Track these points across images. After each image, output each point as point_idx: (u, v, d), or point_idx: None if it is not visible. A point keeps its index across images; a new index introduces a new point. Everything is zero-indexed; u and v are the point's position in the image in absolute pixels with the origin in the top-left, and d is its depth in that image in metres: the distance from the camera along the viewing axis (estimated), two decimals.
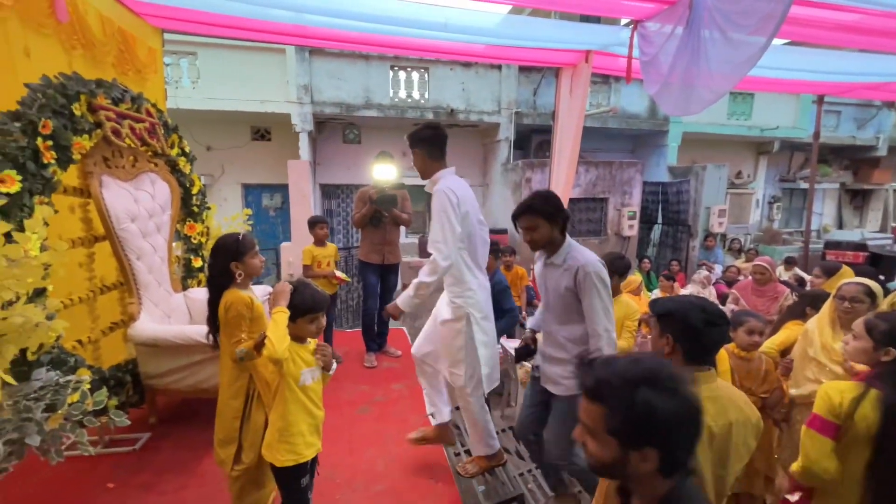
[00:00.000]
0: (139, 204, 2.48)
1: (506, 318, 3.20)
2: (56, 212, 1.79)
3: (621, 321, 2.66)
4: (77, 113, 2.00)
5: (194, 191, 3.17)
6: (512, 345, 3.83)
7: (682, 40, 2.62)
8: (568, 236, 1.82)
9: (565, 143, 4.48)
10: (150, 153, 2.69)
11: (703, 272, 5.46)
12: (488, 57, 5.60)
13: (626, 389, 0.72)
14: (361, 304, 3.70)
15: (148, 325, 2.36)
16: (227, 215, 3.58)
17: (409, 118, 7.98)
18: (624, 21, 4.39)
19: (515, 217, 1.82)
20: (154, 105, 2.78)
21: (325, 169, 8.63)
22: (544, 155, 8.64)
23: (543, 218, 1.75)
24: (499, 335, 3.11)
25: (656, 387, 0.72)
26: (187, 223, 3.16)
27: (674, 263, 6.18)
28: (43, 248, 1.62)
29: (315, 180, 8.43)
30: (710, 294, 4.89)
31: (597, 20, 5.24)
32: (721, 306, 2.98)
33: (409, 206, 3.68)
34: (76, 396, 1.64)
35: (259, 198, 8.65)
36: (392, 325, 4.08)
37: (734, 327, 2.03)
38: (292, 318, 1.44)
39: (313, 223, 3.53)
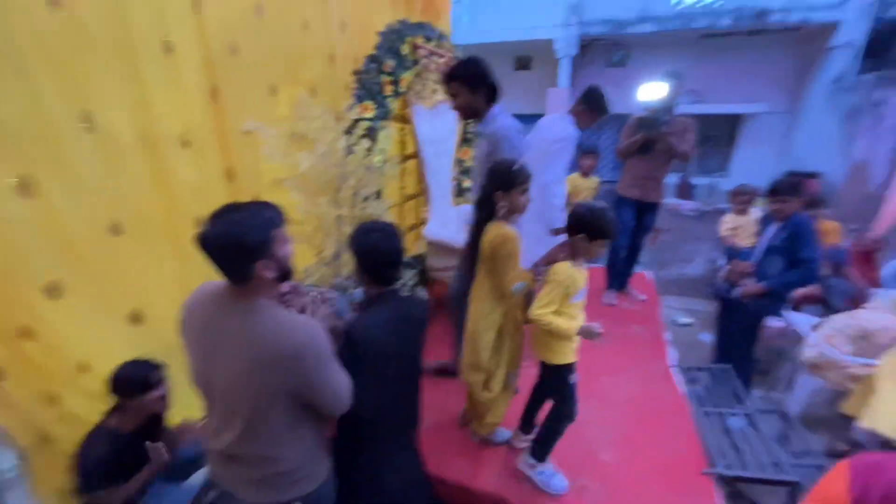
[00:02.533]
0: (436, 129, 3.01)
1: (800, 269, 2.46)
2: (390, 136, 2.36)
3: None
4: (404, 53, 2.49)
5: (468, 121, 3.59)
6: (804, 320, 3.00)
7: None
8: (495, 105, 1.87)
9: None
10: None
11: None
12: None
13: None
14: None
15: (434, 228, 2.96)
16: None
17: (696, 29, 6.51)
18: None
19: (444, 82, 1.87)
20: (450, 42, 3.18)
21: None
22: None
23: (465, 85, 1.81)
24: (784, 289, 2.47)
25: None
26: (462, 148, 3.64)
27: None
28: (382, 161, 2.19)
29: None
30: None
31: None
32: None
33: (692, 139, 3.13)
34: None
35: None
36: (637, 268, 3.81)
37: None
38: (590, 238, 1.53)
39: (583, 152, 3.48)
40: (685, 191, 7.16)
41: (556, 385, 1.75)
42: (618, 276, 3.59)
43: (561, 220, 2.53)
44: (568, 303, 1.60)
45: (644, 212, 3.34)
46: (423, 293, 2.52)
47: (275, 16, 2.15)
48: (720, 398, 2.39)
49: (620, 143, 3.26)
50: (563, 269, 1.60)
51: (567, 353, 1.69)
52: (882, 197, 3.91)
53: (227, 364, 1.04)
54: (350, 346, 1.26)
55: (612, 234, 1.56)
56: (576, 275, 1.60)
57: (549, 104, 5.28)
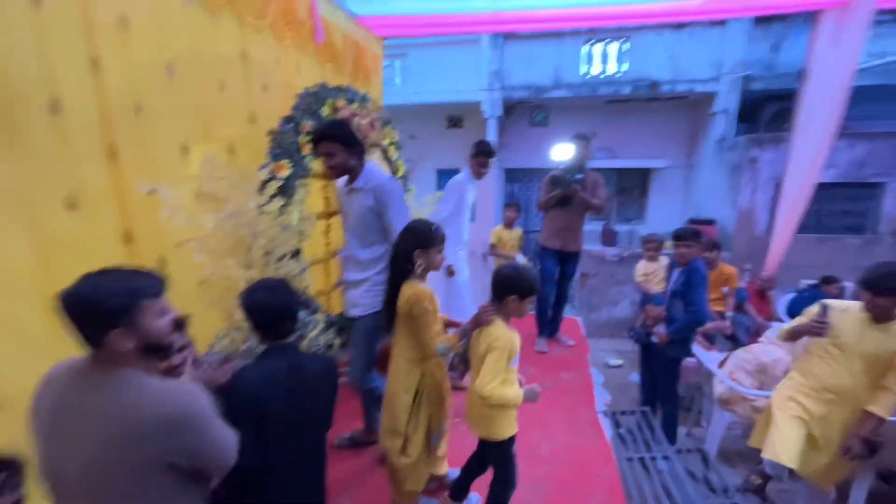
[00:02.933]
0: None
1: (688, 312, 2.68)
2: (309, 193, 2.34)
3: (891, 357, 1.90)
4: (324, 114, 2.54)
5: (399, 175, 3.68)
6: (711, 357, 3.24)
7: None
8: (367, 161, 2.01)
9: (818, 111, 3.44)
10: (370, 143, 3.23)
11: None
12: (712, 12, 4.64)
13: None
14: None
15: None
16: (423, 197, 4.05)
17: (602, 95, 7.41)
18: None
19: (314, 142, 1.94)
20: (374, 102, 3.31)
21: (511, 153, 8.82)
22: (780, 128, 6.82)
23: (341, 144, 1.89)
24: (680, 334, 2.67)
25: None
26: None
27: None
28: (299, 220, 2.15)
29: (500, 164, 8.73)
30: None
31: None
32: None
33: (602, 191, 3.43)
34: (316, 332, 2.15)
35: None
36: (567, 313, 3.96)
37: None
38: (521, 298, 1.59)
39: (506, 205, 3.70)
40: (609, 238, 7.72)
41: (498, 459, 1.72)
42: (547, 323, 3.70)
43: (450, 258, 2.79)
44: (508, 368, 1.60)
45: (566, 261, 3.55)
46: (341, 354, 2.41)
47: (187, 76, 2.12)
48: (644, 441, 2.45)
49: (540, 197, 3.50)
50: (503, 332, 1.59)
51: (511, 425, 1.68)
52: (768, 240, 4.47)
53: (84, 447, 0.91)
54: (228, 396, 1.24)
55: (539, 289, 1.65)
56: (513, 337, 1.62)
57: None
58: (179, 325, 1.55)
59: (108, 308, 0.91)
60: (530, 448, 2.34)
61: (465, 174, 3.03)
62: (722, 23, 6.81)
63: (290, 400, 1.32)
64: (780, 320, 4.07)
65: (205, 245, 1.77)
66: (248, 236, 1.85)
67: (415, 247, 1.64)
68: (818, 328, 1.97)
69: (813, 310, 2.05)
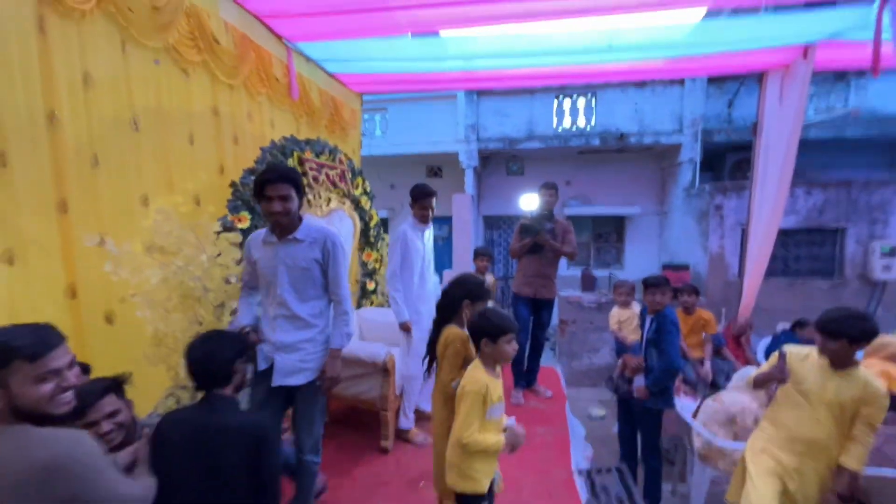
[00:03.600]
0: None
1: (662, 360, 2.62)
2: None
3: (855, 405, 1.84)
4: (291, 165, 2.57)
5: (372, 224, 3.69)
6: (686, 405, 3.15)
7: None
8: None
9: (772, 161, 3.63)
10: (340, 193, 3.26)
11: None
12: (670, 72, 5.01)
13: None
14: None
15: None
16: None
17: (573, 146, 7.77)
18: None
19: (270, 181, 1.69)
20: (345, 155, 3.37)
21: (488, 201, 9.03)
22: (742, 176, 7.18)
23: (296, 190, 1.73)
24: (658, 386, 2.59)
25: None
26: (365, 251, 3.68)
27: None
28: None
29: (479, 212, 8.90)
30: None
31: (829, 2, 4.15)
32: None
33: (573, 238, 3.47)
34: None
35: None
36: (544, 362, 3.87)
37: None
38: (493, 340, 1.55)
39: (476, 254, 3.68)
40: (588, 283, 7.78)
41: None
42: (523, 374, 3.60)
43: (399, 314, 2.69)
44: (486, 419, 1.53)
45: (539, 308, 3.51)
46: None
47: (152, 130, 2.13)
48: (622, 502, 2.31)
49: (511, 245, 3.52)
50: (473, 375, 1.55)
51: (484, 480, 1.59)
52: (740, 284, 4.54)
53: None
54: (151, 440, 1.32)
55: (512, 327, 1.58)
56: (490, 383, 1.55)
57: (455, 208, 5.69)
58: (115, 387, 1.46)
59: None
60: None
61: (408, 223, 2.83)
62: (681, 81, 7.35)
63: (195, 447, 1.30)
64: (759, 364, 4.05)
65: (150, 299, 1.69)
66: (199, 289, 1.78)
67: (465, 297, 1.78)
68: (778, 375, 1.95)
69: (774, 357, 2.03)
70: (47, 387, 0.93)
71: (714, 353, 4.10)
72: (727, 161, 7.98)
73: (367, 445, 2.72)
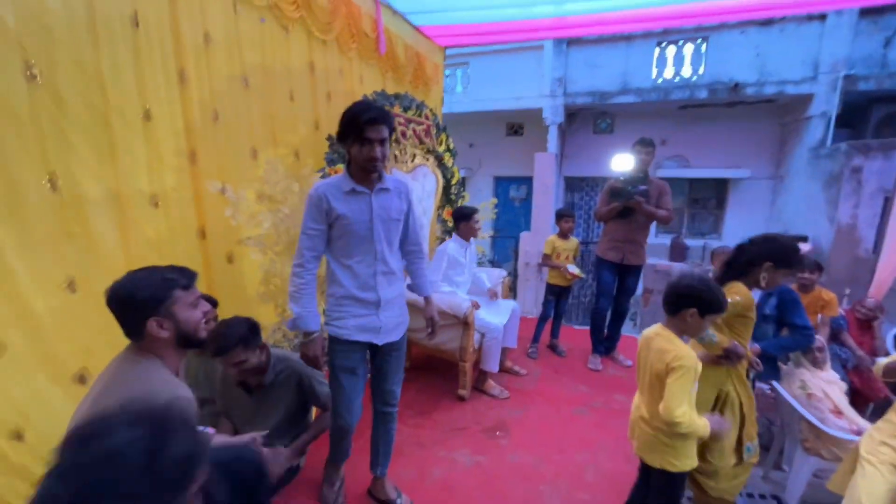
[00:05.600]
0: (414, 192, 3.09)
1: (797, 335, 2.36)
2: None
3: None
4: None
5: (454, 181, 3.70)
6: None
7: None
8: None
9: None
10: (424, 150, 3.29)
11: None
12: (811, 2, 4.13)
13: None
14: (593, 301, 3.48)
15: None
16: (479, 204, 4.03)
17: (674, 100, 6.93)
18: None
19: (374, 121, 1.46)
20: (431, 110, 3.35)
21: (572, 161, 8.53)
22: (892, 134, 5.93)
23: (391, 133, 1.55)
24: (779, 352, 2.36)
25: None
26: (445, 209, 3.72)
27: None
28: None
29: (561, 172, 8.48)
30: None
31: None
32: None
33: (669, 200, 3.16)
34: None
35: (507, 189, 9.40)
36: (625, 331, 3.71)
37: None
38: (702, 314, 1.43)
39: (560, 215, 3.53)
40: (678, 252, 7.16)
41: (667, 493, 1.56)
42: (603, 339, 3.49)
43: (460, 302, 2.69)
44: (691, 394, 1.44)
45: (625, 274, 3.32)
46: None
47: (260, 87, 2.29)
48: None
49: (598, 208, 3.32)
50: (684, 350, 1.44)
51: (693, 456, 1.52)
52: (873, 261, 3.87)
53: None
54: None
55: (724, 307, 1.44)
56: (697, 359, 1.45)
57: (537, 168, 5.47)
58: (245, 341, 1.62)
59: (141, 298, 0.99)
60: (573, 471, 2.21)
61: (454, 238, 3.00)
62: (821, 16, 6.10)
63: None
64: (888, 354, 3.49)
65: (262, 243, 1.88)
66: None
67: (769, 259, 1.61)
68: None
69: None
70: (199, 312, 1.09)
71: (831, 339, 3.59)
72: (872, 115, 6.61)
73: (445, 392, 2.88)
